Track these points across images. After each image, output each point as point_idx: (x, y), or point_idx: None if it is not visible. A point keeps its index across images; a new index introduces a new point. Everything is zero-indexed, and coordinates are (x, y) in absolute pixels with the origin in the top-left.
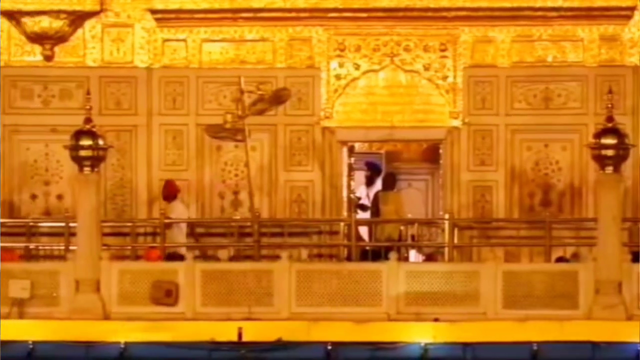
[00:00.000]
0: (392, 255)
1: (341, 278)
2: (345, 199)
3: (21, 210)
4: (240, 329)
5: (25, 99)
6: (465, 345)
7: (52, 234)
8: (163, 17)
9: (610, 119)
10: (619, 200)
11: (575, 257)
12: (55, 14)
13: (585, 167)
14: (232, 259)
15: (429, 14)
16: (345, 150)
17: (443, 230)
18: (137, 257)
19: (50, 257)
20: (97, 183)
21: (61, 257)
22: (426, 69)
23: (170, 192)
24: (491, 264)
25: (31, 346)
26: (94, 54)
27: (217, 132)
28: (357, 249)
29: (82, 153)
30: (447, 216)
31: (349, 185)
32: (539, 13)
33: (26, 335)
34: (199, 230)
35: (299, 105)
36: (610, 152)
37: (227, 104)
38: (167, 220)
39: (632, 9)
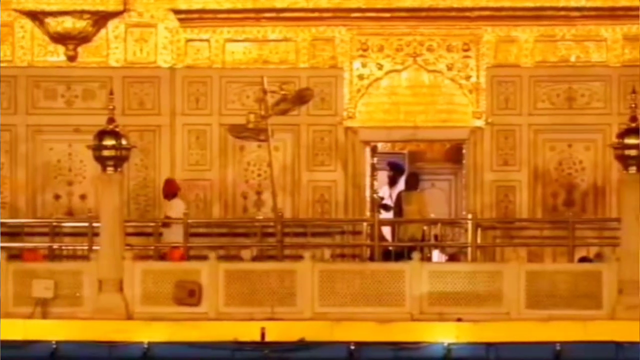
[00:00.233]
0: (415, 255)
1: (364, 278)
2: (368, 199)
3: (44, 210)
4: (263, 329)
5: (48, 99)
6: (488, 345)
7: (76, 234)
8: (186, 17)
9: (633, 118)
10: None
11: (599, 257)
12: (78, 14)
13: (608, 167)
14: (255, 259)
15: (452, 13)
16: (368, 150)
17: (466, 230)
18: (160, 257)
19: (73, 257)
20: (120, 183)
21: (84, 257)
22: (449, 68)
23: (170, 190)
24: (514, 264)
25: (54, 346)
26: (117, 54)
27: (240, 132)
28: (380, 249)
29: (105, 153)
30: (470, 216)
31: (371, 185)
32: (562, 13)
33: (49, 335)
34: (222, 230)
35: (321, 105)
36: (633, 152)
37: (250, 104)
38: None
39: None
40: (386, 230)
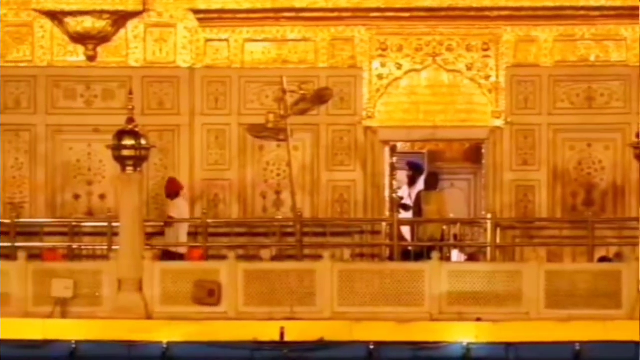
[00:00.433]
0: (435, 255)
1: (383, 278)
2: (387, 198)
3: (64, 209)
4: (282, 328)
5: (68, 99)
6: (508, 345)
7: (95, 233)
8: (205, 17)
9: None
10: None
11: (618, 256)
12: (98, 14)
13: (628, 167)
14: (274, 258)
15: (472, 13)
16: (387, 150)
17: (485, 230)
18: (180, 257)
19: (93, 256)
20: (139, 183)
21: (104, 257)
22: (469, 68)
23: (172, 189)
24: (534, 264)
25: (74, 345)
26: (136, 54)
27: (259, 131)
28: (399, 249)
29: (125, 153)
30: (489, 216)
31: (391, 185)
32: (582, 12)
33: (69, 335)
34: (242, 230)
35: (341, 105)
36: None
37: (269, 103)
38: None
39: None
40: (405, 230)
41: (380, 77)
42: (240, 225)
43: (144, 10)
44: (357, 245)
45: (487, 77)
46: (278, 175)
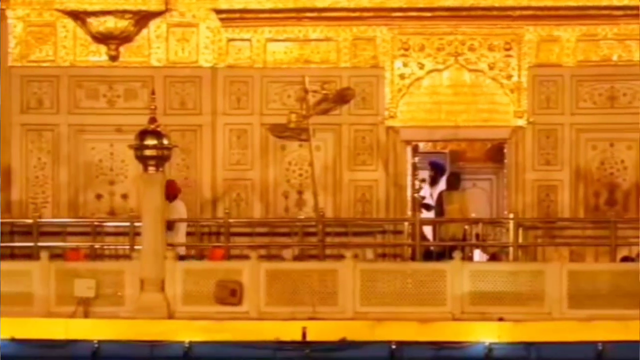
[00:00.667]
0: (457, 254)
1: (405, 278)
2: (409, 198)
3: (86, 209)
4: (304, 328)
5: (90, 99)
6: (530, 345)
7: (117, 233)
8: (228, 16)
9: None
10: None
11: None
12: (120, 14)
13: None
14: (296, 258)
15: (494, 13)
16: (409, 149)
17: (508, 229)
18: (202, 257)
19: (115, 256)
20: (161, 182)
21: (126, 257)
22: (491, 68)
23: (171, 192)
24: (556, 264)
25: (96, 345)
26: (158, 53)
27: (281, 131)
28: (421, 249)
29: (147, 152)
30: (511, 216)
31: (413, 185)
32: (605, 12)
33: (91, 335)
34: (263, 229)
35: (363, 105)
36: None
37: (291, 103)
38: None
39: None
40: (427, 230)
41: (402, 76)
42: (262, 225)
43: (166, 10)
44: (379, 245)
45: (509, 77)
46: (300, 175)
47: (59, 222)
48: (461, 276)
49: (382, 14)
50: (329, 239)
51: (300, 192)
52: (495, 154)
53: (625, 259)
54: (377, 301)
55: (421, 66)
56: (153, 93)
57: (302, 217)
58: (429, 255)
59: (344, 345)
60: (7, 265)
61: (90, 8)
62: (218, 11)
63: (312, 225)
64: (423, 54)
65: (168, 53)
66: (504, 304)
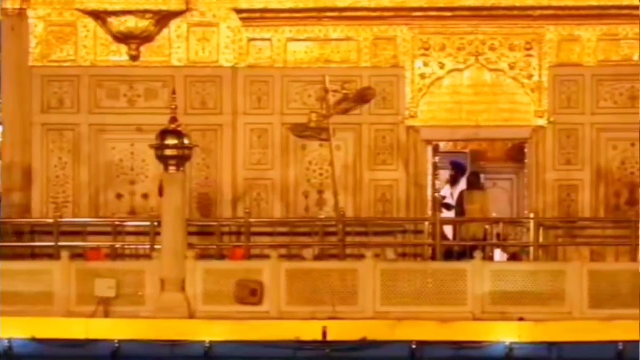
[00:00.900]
0: (477, 254)
1: (426, 277)
2: (430, 198)
3: (107, 209)
4: (324, 328)
5: (111, 99)
6: (551, 344)
7: (138, 233)
8: (248, 16)
9: None
10: None
11: None
12: (141, 13)
13: None
14: (316, 258)
15: (515, 12)
16: (430, 149)
17: (528, 229)
18: (222, 257)
19: (135, 256)
20: (182, 182)
21: (147, 257)
22: (511, 68)
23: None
24: (577, 264)
25: (117, 345)
26: (179, 53)
27: (302, 131)
28: (442, 249)
29: (168, 152)
30: (532, 215)
31: (433, 185)
32: (625, 12)
33: (112, 334)
34: (284, 229)
35: (383, 105)
36: None
37: (311, 103)
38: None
39: None
40: (448, 230)
41: (422, 76)
42: (283, 224)
43: (187, 10)
44: (399, 244)
45: (530, 77)
46: (321, 174)
47: (79, 222)
48: (482, 276)
49: (402, 14)
50: (349, 239)
51: (320, 192)
52: (516, 153)
53: None
54: (398, 301)
55: (442, 66)
56: (174, 93)
57: (322, 216)
58: (449, 255)
59: (364, 345)
60: (28, 265)
61: (111, 8)
62: (239, 11)
63: (333, 225)
64: (444, 54)
65: (189, 53)
66: (525, 304)
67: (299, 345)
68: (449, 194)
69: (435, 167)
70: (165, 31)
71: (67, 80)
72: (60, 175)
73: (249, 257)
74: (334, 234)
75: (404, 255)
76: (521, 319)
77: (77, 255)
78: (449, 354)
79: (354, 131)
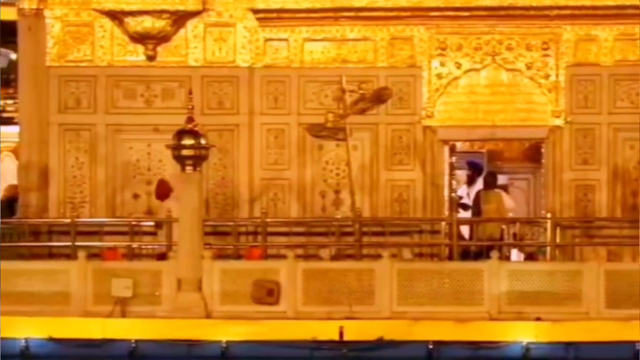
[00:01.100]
0: (494, 254)
1: (442, 277)
2: (446, 198)
3: (124, 209)
4: (341, 328)
5: (128, 99)
6: (568, 344)
7: (155, 233)
8: (265, 16)
9: None
10: None
11: None
12: (157, 13)
13: None
14: (333, 258)
15: (532, 12)
16: (446, 149)
17: (545, 229)
18: (239, 256)
19: (152, 256)
20: (199, 182)
21: (162, 256)
22: (528, 67)
23: (163, 191)
24: (594, 264)
25: (134, 345)
26: (196, 53)
27: (318, 131)
28: (459, 248)
29: (184, 152)
30: (549, 215)
31: (450, 184)
32: None
33: (129, 334)
34: (301, 229)
35: (400, 105)
36: None
37: (328, 103)
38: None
39: None
40: (464, 230)
41: (439, 76)
42: (299, 224)
43: (204, 10)
44: (416, 244)
45: (547, 76)
46: (337, 174)
47: (96, 222)
48: (498, 276)
49: (419, 14)
50: (366, 239)
51: (337, 192)
52: (533, 153)
53: None
54: (414, 301)
55: (458, 65)
56: (190, 93)
57: (339, 216)
58: (466, 255)
59: (381, 344)
60: (45, 265)
61: (127, 8)
62: (255, 11)
63: (349, 224)
64: (460, 54)
65: (205, 53)
66: (541, 304)
67: (316, 345)
68: (466, 193)
69: (452, 167)
70: (181, 31)
71: (84, 80)
72: (77, 175)
73: (265, 257)
74: (350, 234)
75: (420, 255)
76: (538, 319)
77: (94, 255)
78: (465, 353)
79: (371, 131)
